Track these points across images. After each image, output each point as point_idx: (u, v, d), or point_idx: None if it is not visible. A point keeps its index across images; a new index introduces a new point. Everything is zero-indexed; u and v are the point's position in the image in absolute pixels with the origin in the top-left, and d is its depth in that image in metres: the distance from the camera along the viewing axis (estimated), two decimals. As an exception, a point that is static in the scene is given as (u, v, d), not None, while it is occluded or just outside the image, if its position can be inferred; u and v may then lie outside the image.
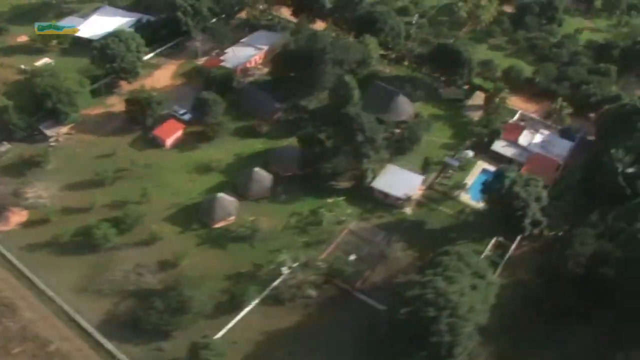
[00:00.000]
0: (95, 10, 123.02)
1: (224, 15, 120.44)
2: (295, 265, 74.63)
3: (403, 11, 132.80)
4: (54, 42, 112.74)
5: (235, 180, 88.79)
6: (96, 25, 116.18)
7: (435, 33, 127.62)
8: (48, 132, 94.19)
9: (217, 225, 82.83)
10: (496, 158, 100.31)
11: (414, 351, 64.33)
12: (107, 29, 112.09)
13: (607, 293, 72.65)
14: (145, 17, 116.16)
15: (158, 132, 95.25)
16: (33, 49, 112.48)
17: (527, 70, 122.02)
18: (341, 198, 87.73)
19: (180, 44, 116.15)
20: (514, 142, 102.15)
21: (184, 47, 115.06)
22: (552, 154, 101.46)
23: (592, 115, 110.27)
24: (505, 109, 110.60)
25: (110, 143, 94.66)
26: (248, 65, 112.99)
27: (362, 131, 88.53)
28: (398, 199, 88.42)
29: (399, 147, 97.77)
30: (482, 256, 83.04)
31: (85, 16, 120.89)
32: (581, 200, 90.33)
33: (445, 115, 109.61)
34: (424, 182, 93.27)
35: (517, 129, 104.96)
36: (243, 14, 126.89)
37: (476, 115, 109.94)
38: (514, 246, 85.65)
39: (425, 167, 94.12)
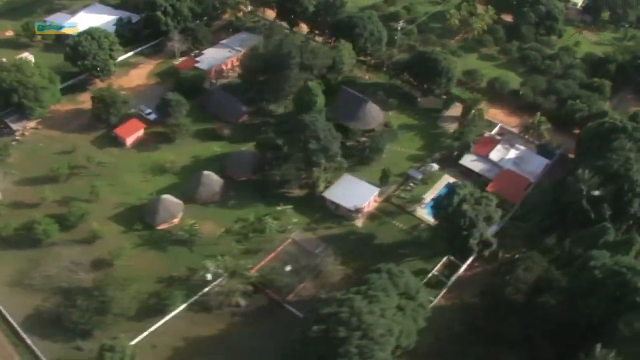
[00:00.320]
0: (84, 7, 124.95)
1: (205, 18, 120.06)
2: (219, 272, 73.21)
3: (395, 17, 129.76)
4: (39, 37, 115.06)
5: (184, 183, 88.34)
6: (82, 22, 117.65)
7: (422, 40, 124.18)
8: (14, 126, 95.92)
9: (160, 227, 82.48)
10: (464, 173, 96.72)
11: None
12: (93, 26, 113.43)
13: (548, 322, 68.75)
14: (126, 16, 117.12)
15: (119, 130, 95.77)
16: (18, 44, 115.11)
17: (515, 81, 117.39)
18: (289, 206, 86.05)
19: (161, 44, 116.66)
20: (484, 157, 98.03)
21: (164, 47, 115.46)
22: (525, 171, 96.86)
23: (576, 131, 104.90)
24: (484, 121, 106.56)
25: (73, 140, 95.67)
26: (224, 67, 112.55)
27: (317, 139, 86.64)
28: (349, 210, 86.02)
29: (362, 157, 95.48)
30: (430, 275, 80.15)
31: (73, 12, 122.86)
32: (546, 221, 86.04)
33: (419, 125, 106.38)
34: (381, 194, 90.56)
35: (491, 143, 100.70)
36: (228, 16, 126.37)
37: (452, 127, 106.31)
38: (464, 267, 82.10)
39: (383, 179, 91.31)
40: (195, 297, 74.12)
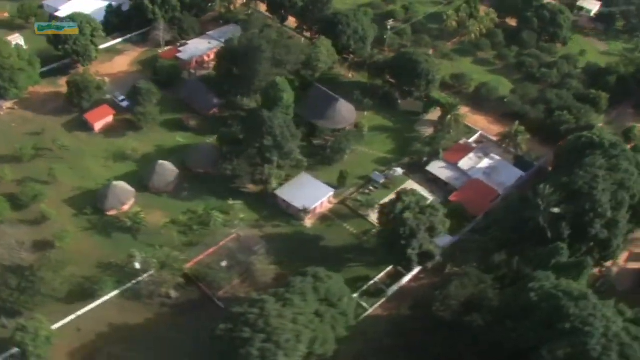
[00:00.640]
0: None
1: (195, 10, 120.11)
2: (149, 262, 73.09)
3: (392, 16, 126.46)
4: (33, 19, 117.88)
5: (141, 171, 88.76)
6: (76, 8, 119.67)
7: (414, 41, 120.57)
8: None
9: (110, 213, 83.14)
10: (431, 180, 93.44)
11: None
12: (85, 11, 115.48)
13: (478, 342, 65.47)
14: (118, 3, 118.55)
15: (88, 116, 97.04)
16: (12, 25, 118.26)
17: (506, 88, 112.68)
18: (238, 202, 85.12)
19: (149, 32, 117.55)
20: (453, 165, 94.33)
21: (149, 36, 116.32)
22: (495, 182, 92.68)
23: (561, 143, 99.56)
24: (464, 127, 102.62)
25: (45, 122, 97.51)
26: (206, 58, 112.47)
27: (272, 135, 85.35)
28: (299, 210, 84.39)
29: (324, 157, 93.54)
30: (370, 283, 77.75)
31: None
32: (504, 236, 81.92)
33: (394, 127, 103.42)
34: (337, 195, 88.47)
35: (464, 151, 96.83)
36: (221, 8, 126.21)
37: (429, 132, 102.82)
38: (409, 277, 79.24)
39: (340, 180, 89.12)
40: (128, 285, 74.41)
